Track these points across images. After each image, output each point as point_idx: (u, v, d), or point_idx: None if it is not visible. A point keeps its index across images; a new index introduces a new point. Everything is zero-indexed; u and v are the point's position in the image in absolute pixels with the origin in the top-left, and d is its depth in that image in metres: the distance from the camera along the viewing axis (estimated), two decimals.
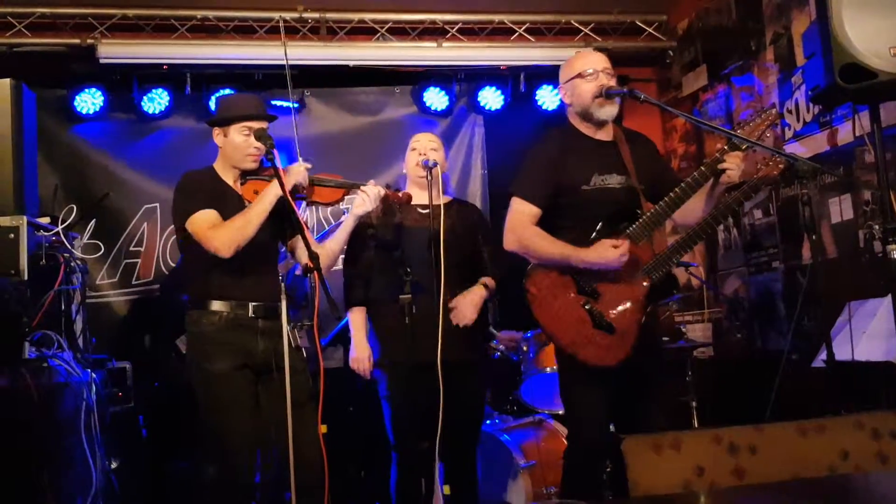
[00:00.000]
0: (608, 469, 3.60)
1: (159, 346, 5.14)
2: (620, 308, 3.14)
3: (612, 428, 3.37)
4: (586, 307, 3.13)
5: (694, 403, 4.66)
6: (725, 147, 3.15)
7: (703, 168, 3.14)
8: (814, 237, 3.71)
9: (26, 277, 3.53)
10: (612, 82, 3.26)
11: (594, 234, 3.17)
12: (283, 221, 3.31)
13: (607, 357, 3.10)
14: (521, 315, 3.81)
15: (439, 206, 3.64)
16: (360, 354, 3.77)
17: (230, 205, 3.29)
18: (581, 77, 3.26)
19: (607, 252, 3.09)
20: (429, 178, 3.61)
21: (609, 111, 3.26)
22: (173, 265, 5.64)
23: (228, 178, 3.38)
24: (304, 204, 3.48)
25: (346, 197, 3.54)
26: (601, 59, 3.31)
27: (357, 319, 3.82)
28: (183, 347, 4.74)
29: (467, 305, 3.70)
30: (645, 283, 3.18)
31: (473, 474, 3.87)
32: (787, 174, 3.27)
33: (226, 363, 3.20)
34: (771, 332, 5.33)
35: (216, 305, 3.26)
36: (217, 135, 3.37)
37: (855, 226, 4.59)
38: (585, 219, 3.20)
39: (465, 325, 3.67)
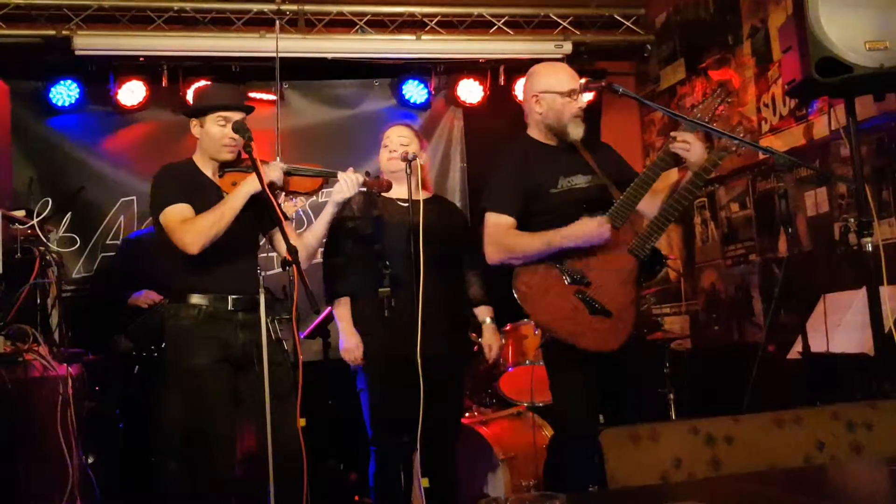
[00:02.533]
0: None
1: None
2: (613, 291, 3.13)
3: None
4: (579, 296, 3.12)
5: (671, 395, 4.69)
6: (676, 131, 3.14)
7: (661, 153, 3.15)
8: (790, 230, 3.75)
9: (0, 271, 3.49)
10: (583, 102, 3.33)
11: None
12: (262, 213, 3.29)
13: (609, 341, 3.09)
14: (509, 313, 3.85)
15: (419, 199, 3.63)
16: (350, 344, 3.74)
17: (208, 197, 3.26)
18: (565, 96, 3.28)
19: (587, 225, 3.08)
20: (408, 170, 3.59)
21: (580, 131, 3.30)
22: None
23: (207, 169, 3.35)
24: (282, 195, 3.46)
25: (324, 187, 3.52)
26: (576, 76, 3.35)
27: (342, 310, 3.79)
28: (120, 345, 4.70)
29: (493, 340, 3.93)
30: (632, 263, 3.17)
31: (452, 467, 3.88)
32: (763, 168, 3.29)
33: (204, 357, 3.18)
34: (747, 324, 5.37)
35: (195, 299, 3.23)
36: (194, 126, 3.34)
37: (830, 219, 4.64)
38: (559, 222, 3.19)
39: (447, 323, 3.71)
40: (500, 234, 3.22)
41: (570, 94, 3.27)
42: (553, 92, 3.29)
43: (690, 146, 3.08)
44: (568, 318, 3.11)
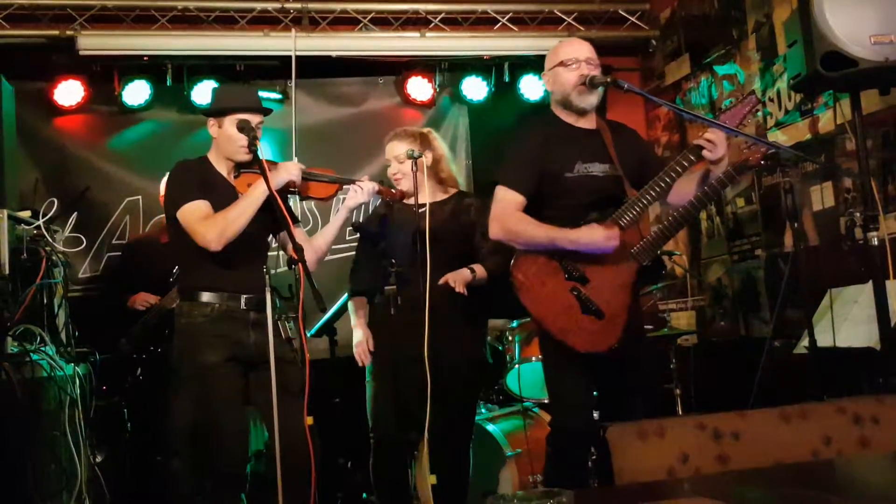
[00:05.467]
0: (594, 457, 3.61)
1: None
2: (609, 293, 3.11)
3: (595, 415, 3.37)
4: (574, 293, 3.10)
5: (678, 391, 4.68)
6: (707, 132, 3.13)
7: (686, 152, 3.12)
8: (796, 225, 3.74)
9: (7, 272, 3.50)
10: (596, 72, 3.24)
11: (583, 222, 3.15)
12: (272, 215, 3.29)
13: (598, 343, 3.07)
14: (510, 304, 3.83)
15: (425, 197, 3.64)
16: (358, 338, 3.86)
17: (223, 196, 3.27)
18: (563, 65, 3.25)
19: (596, 233, 3.06)
20: (414, 168, 3.60)
21: (589, 100, 3.25)
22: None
23: (222, 169, 3.37)
24: (297, 198, 3.49)
25: (339, 192, 3.55)
26: (585, 49, 3.29)
27: (353, 308, 3.94)
28: (123, 348, 4.70)
29: (458, 277, 3.65)
30: (633, 268, 3.16)
31: (463, 466, 3.87)
32: (770, 162, 3.28)
33: (215, 355, 3.20)
34: (754, 319, 5.37)
35: (207, 297, 3.24)
36: (211, 125, 3.35)
37: (836, 213, 4.63)
38: (569, 207, 3.18)
39: (452, 315, 3.68)
40: (507, 213, 3.20)
41: (569, 63, 3.23)
42: (555, 65, 3.28)
43: (715, 145, 3.04)
44: (560, 314, 3.09)
